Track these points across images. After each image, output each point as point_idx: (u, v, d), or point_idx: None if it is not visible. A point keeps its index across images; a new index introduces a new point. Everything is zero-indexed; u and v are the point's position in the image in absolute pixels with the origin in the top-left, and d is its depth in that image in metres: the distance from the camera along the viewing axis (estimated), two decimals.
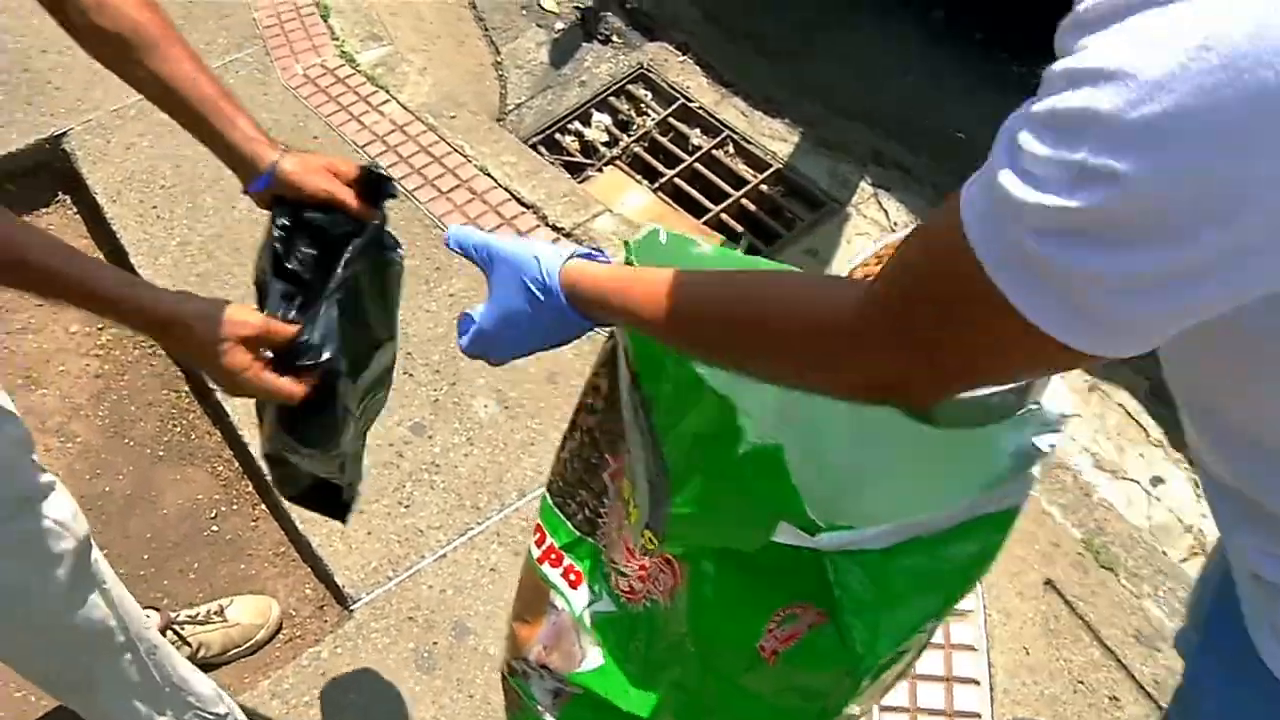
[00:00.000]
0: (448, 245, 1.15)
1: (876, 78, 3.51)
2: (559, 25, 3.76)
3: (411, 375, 2.32)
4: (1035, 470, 1.06)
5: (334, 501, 1.46)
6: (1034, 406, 1.07)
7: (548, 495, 1.46)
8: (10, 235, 1.08)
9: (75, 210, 2.88)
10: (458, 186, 2.70)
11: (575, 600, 1.44)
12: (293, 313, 1.25)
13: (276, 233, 1.27)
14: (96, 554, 1.46)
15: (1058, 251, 0.57)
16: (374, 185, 1.30)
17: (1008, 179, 0.58)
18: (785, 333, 0.83)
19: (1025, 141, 0.57)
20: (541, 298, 1.04)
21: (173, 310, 1.13)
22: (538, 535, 1.49)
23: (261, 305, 1.26)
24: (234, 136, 1.24)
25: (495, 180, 2.70)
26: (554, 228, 2.58)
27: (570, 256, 1.04)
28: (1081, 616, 2.05)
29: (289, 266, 1.27)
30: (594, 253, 1.09)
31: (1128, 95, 0.53)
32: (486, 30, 3.76)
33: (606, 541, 1.39)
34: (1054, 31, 0.58)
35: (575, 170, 3.21)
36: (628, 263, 1.14)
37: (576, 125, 3.44)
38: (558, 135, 3.41)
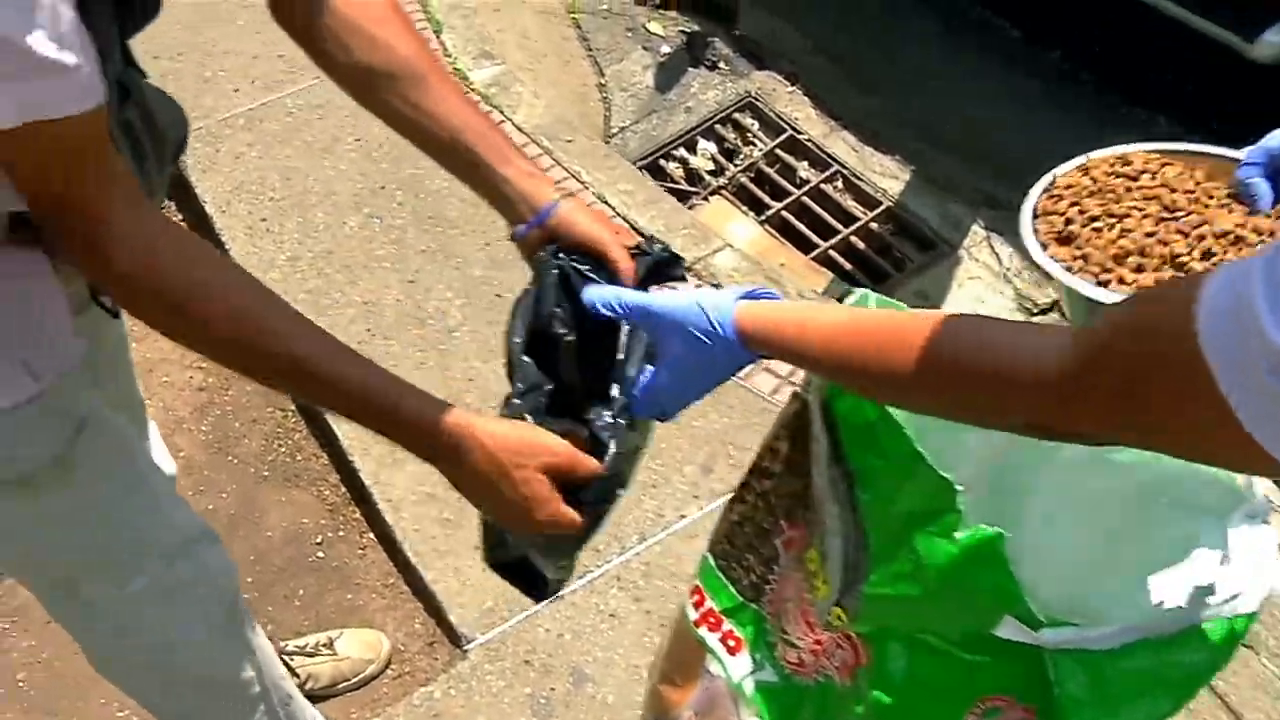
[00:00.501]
0: (591, 308, 1.10)
1: (991, 119, 3.46)
2: (665, 49, 3.74)
3: None
4: (1271, 576, 1.02)
5: (536, 583, 1.35)
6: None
7: (710, 557, 1.41)
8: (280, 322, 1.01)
9: (183, 217, 2.88)
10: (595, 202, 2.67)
11: (733, 667, 1.39)
12: (565, 423, 1.13)
13: (547, 291, 1.17)
14: (242, 601, 1.44)
15: None
16: (659, 265, 1.20)
17: (1264, 310, 0.56)
18: (977, 374, 0.81)
19: None
20: (709, 343, 1.02)
21: (463, 424, 1.03)
22: (696, 597, 1.45)
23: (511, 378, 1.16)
24: (508, 172, 1.18)
25: (613, 209, 2.67)
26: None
27: (739, 298, 1.02)
28: (1221, 697, 1.99)
29: (561, 335, 1.16)
30: (758, 291, 1.05)
31: None
32: (590, 51, 3.74)
33: (775, 609, 1.34)
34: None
35: (681, 198, 3.17)
36: None
37: (681, 152, 3.41)
38: (662, 161, 3.38)
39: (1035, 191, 1.23)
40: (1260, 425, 0.58)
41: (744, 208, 3.25)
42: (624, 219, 2.65)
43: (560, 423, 1.13)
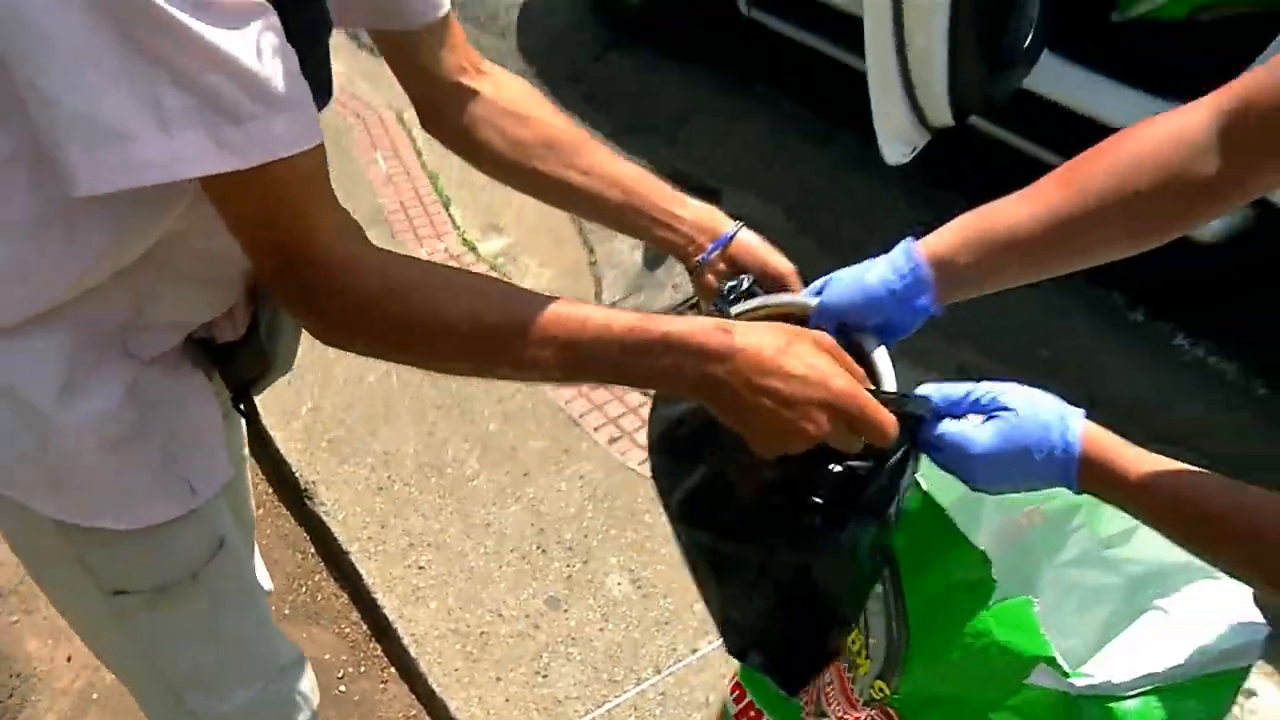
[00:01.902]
0: (934, 405, 1.09)
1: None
2: None
3: (545, 551, 2.48)
4: (1259, 639, 1.23)
5: (803, 658, 1.32)
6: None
7: None
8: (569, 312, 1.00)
9: None
10: None
11: None
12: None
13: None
14: None
15: None
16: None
17: None
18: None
19: None
20: (1038, 457, 1.03)
21: (724, 323, 1.00)
22: (735, 693, 1.63)
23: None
24: (682, 211, 1.29)
25: None
26: None
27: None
28: None
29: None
30: None
31: None
32: (581, 230, 4.05)
33: (811, 697, 1.52)
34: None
35: None
36: None
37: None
38: None
39: None
40: None
41: None
42: None
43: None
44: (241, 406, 1.40)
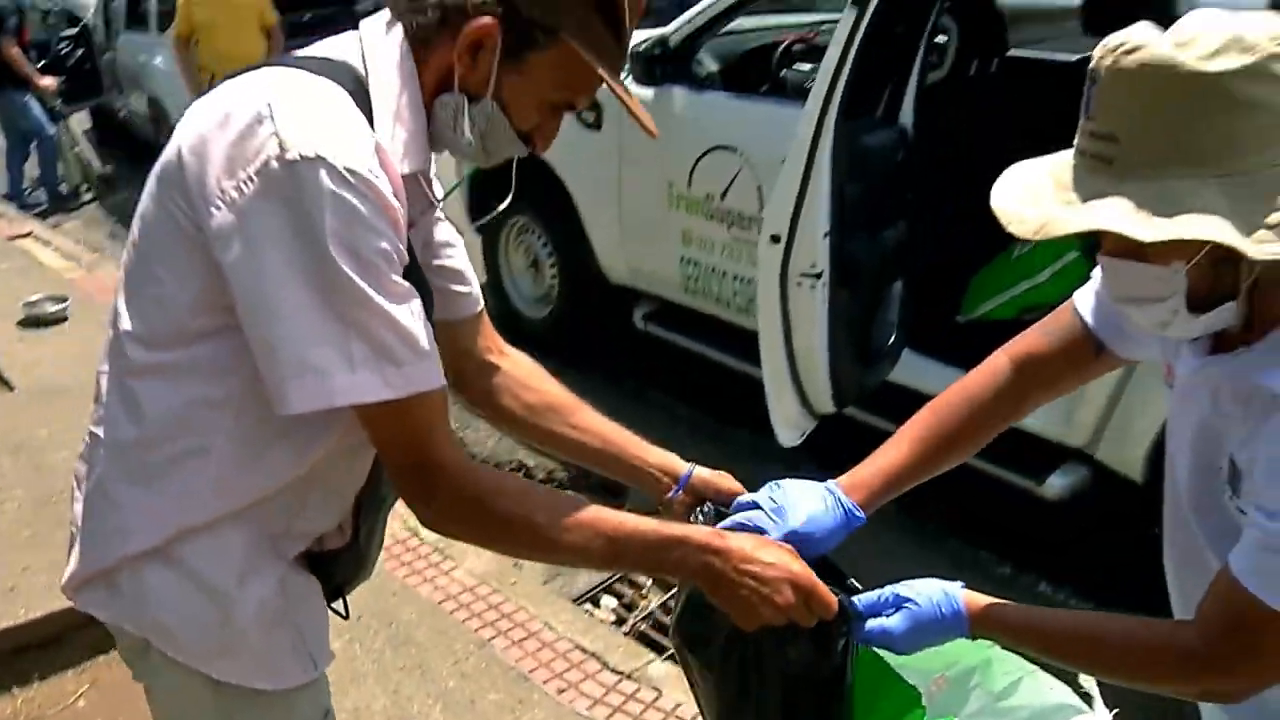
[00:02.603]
0: (859, 610, 1.51)
1: None
2: None
3: None
4: None
5: None
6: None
7: None
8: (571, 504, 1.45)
9: None
10: (528, 637, 3.26)
11: None
12: None
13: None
14: None
15: None
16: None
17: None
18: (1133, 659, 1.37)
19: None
20: (937, 624, 1.48)
21: (712, 533, 1.49)
22: None
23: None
24: (648, 456, 1.73)
25: (559, 633, 3.28)
26: (615, 671, 3.13)
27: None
28: None
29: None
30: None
31: None
32: None
33: None
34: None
35: (618, 623, 3.76)
36: None
37: (619, 587, 4.05)
38: (603, 595, 3.98)
39: None
40: None
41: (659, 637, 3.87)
42: (570, 640, 3.24)
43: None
44: (334, 605, 1.75)
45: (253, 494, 1.47)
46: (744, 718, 1.62)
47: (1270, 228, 1.11)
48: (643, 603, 4.04)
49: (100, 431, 1.49)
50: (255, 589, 1.51)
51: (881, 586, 1.54)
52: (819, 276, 3.54)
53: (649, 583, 4.09)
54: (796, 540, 1.53)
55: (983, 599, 1.48)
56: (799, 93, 4.67)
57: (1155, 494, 1.54)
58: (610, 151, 4.87)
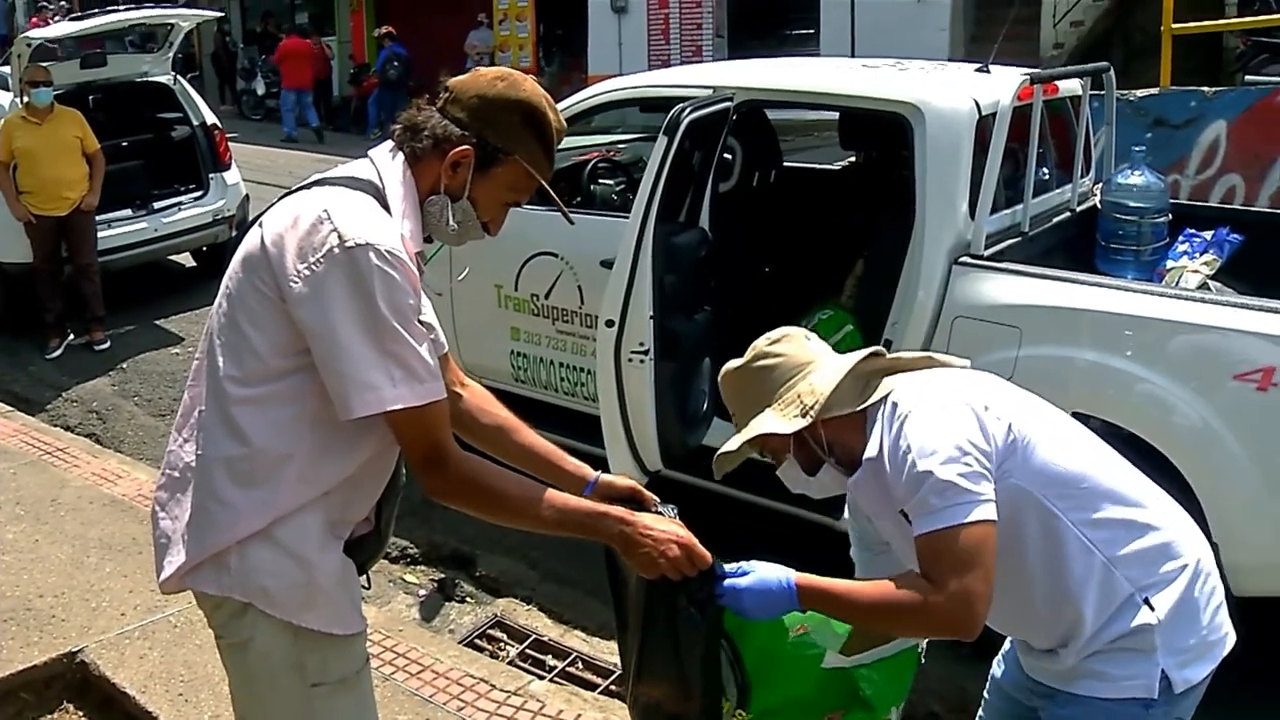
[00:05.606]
0: (722, 570, 2.18)
1: None
2: (422, 591, 5.06)
3: None
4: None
5: None
6: None
7: None
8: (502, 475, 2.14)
9: (83, 714, 3.75)
10: (423, 670, 3.86)
11: None
12: None
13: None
14: None
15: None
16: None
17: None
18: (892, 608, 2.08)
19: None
20: (774, 590, 2.14)
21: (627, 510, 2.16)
22: None
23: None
24: (567, 466, 2.41)
25: (450, 664, 3.89)
26: (503, 690, 3.75)
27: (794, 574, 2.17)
28: None
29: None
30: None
31: None
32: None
33: None
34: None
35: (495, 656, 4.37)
36: None
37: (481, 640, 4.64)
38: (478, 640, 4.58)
39: None
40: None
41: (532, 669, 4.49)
42: (460, 669, 3.85)
43: None
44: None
45: (323, 485, 2.14)
46: (651, 641, 2.33)
47: (792, 417, 2.20)
48: (511, 646, 4.69)
49: (202, 451, 2.13)
50: (331, 556, 2.19)
51: None
52: (647, 353, 4.35)
53: (504, 636, 4.74)
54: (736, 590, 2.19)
55: (812, 578, 2.13)
56: (605, 204, 5.55)
57: None
58: (441, 259, 5.57)
